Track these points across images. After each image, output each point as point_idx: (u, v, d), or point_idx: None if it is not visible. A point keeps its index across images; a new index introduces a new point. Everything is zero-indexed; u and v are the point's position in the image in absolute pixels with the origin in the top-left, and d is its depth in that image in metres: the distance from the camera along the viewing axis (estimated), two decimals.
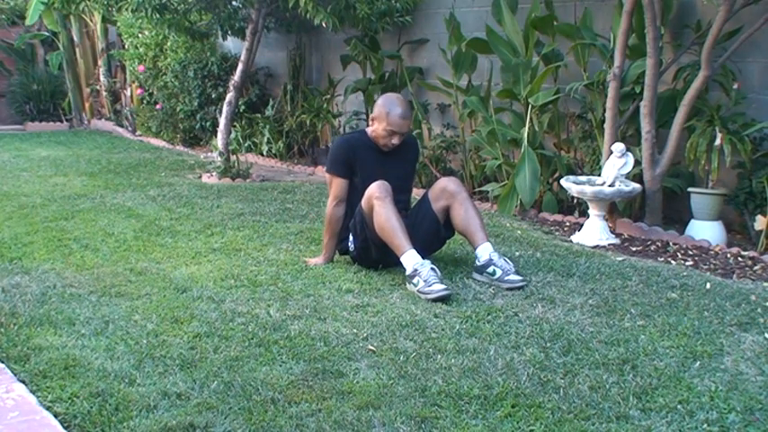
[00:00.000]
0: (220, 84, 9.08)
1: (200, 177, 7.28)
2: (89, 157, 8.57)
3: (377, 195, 3.93)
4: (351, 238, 4.20)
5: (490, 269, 3.94)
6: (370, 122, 4.29)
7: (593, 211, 5.01)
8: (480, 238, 4.05)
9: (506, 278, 3.89)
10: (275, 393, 2.69)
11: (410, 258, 3.85)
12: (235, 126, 8.58)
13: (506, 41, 5.99)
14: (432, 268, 3.79)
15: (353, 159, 4.22)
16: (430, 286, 3.70)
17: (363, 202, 4.02)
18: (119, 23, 10.37)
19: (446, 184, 4.19)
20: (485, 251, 4.00)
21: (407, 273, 3.84)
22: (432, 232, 4.20)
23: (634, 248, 4.84)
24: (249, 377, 2.82)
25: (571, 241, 4.99)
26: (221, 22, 7.48)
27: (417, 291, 3.75)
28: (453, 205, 4.12)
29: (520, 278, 3.90)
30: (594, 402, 2.65)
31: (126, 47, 10.51)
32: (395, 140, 4.19)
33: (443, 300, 3.66)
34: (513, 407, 2.61)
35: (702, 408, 2.62)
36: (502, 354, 3.05)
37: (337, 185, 4.24)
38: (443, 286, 3.71)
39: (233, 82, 7.50)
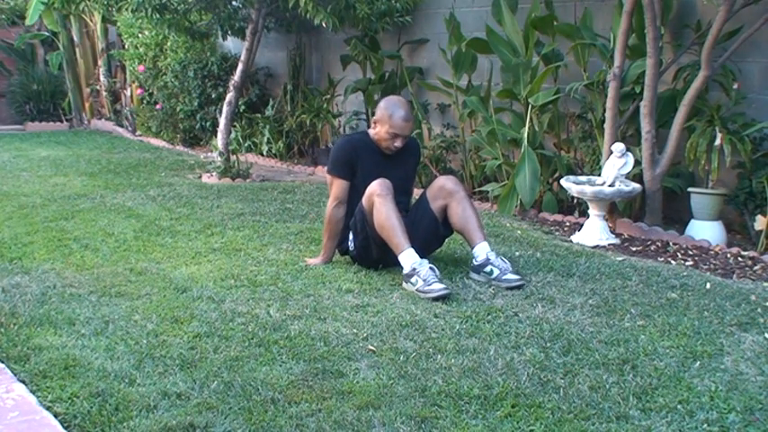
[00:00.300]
0: (220, 84, 9.08)
1: (200, 177, 7.28)
2: (89, 157, 8.57)
3: (378, 192, 3.92)
4: (351, 237, 4.20)
5: (487, 269, 3.94)
6: (373, 125, 4.28)
7: (593, 211, 5.01)
8: (478, 238, 4.05)
9: (504, 277, 3.89)
10: (275, 393, 2.69)
11: (408, 257, 3.85)
12: (235, 126, 8.58)
13: (506, 41, 5.99)
14: (430, 267, 3.79)
15: (355, 160, 4.21)
16: (429, 285, 3.71)
17: (364, 199, 4.01)
18: (119, 23, 10.38)
19: (444, 182, 4.19)
20: (482, 250, 4.00)
21: (405, 272, 3.84)
22: (431, 231, 4.20)
23: (634, 248, 4.84)
24: (249, 377, 2.82)
25: (571, 241, 4.99)
26: (221, 22, 7.48)
27: (416, 290, 3.75)
28: (451, 204, 4.12)
29: (517, 277, 3.90)
30: (594, 402, 2.65)
31: (126, 47, 10.51)
32: (397, 143, 4.19)
33: (442, 299, 3.66)
34: (513, 407, 2.61)
35: (702, 408, 2.62)
36: (502, 354, 3.05)
37: (338, 187, 4.23)
38: (442, 285, 3.71)
39: (233, 82, 7.50)
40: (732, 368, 2.94)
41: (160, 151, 9.27)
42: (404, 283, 3.87)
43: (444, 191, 4.14)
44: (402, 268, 3.88)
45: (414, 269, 3.80)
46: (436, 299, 3.65)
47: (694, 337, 3.24)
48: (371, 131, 4.28)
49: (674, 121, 5.13)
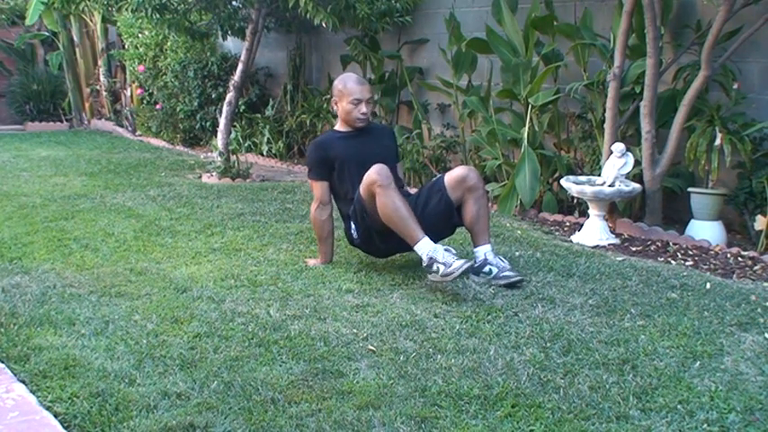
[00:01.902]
0: (220, 84, 9.08)
1: (201, 177, 7.28)
2: (89, 157, 8.57)
3: (379, 183, 3.81)
4: (354, 226, 4.14)
5: (486, 269, 3.94)
6: (335, 107, 4.29)
7: (593, 211, 5.02)
8: (483, 240, 4.05)
9: (502, 274, 3.89)
10: (275, 393, 2.69)
11: (424, 247, 3.75)
12: (235, 126, 8.58)
13: (506, 41, 5.99)
14: (445, 249, 3.73)
15: (327, 155, 4.18)
16: (450, 267, 3.63)
17: (362, 189, 3.92)
18: (119, 23, 10.38)
19: (466, 174, 4.04)
20: (482, 252, 4.01)
21: (424, 263, 3.76)
22: (445, 218, 4.08)
23: (634, 248, 4.84)
24: (249, 377, 2.82)
25: (571, 241, 4.99)
26: (221, 22, 7.48)
27: (441, 276, 3.67)
28: (468, 200, 4.02)
29: (515, 273, 3.90)
30: (594, 402, 2.65)
31: (126, 47, 10.51)
32: (363, 108, 4.16)
33: (468, 272, 3.68)
34: (513, 407, 2.61)
35: (702, 408, 2.62)
36: (502, 354, 3.05)
37: (317, 188, 4.21)
38: (462, 261, 3.66)
39: (233, 82, 7.50)
40: (732, 368, 2.94)
41: (160, 151, 9.27)
42: (429, 276, 3.79)
43: (465, 184, 4.02)
44: (403, 267, 3.88)
45: (431, 258, 3.71)
46: (464, 273, 3.63)
47: (694, 337, 3.24)
48: (338, 113, 4.26)
49: (674, 121, 5.13)
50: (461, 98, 6.56)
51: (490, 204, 6.02)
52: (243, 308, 3.56)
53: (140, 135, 10.55)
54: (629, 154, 5.00)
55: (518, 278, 3.87)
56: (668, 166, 5.17)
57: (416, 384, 2.78)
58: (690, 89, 5.03)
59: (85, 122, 11.86)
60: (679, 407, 2.62)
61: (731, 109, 5.12)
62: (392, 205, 3.80)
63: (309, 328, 3.30)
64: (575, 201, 5.71)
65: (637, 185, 5.04)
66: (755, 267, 4.39)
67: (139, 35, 9.95)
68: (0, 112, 11.85)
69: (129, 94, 11.19)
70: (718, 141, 4.95)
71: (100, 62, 11.57)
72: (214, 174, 7.21)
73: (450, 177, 4.07)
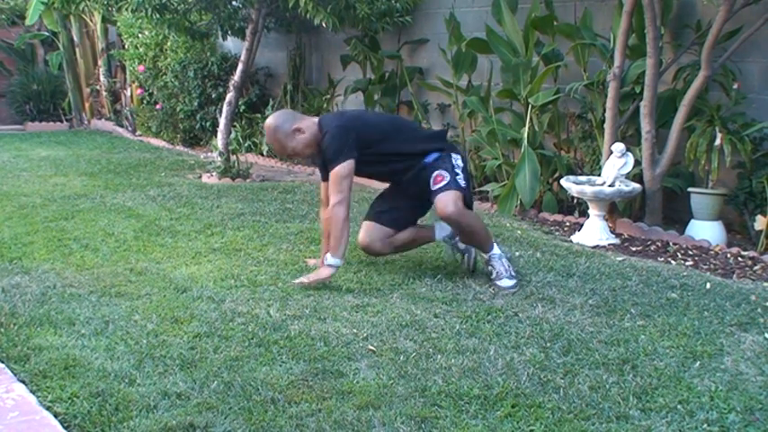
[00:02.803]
0: (220, 84, 9.08)
1: (200, 177, 7.28)
2: (89, 157, 8.57)
3: (367, 252, 4.16)
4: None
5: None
6: None
7: (593, 211, 5.02)
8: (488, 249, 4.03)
9: (497, 282, 3.90)
10: (275, 393, 2.70)
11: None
12: (235, 126, 8.58)
13: (506, 41, 5.99)
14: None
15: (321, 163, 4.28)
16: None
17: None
18: (119, 23, 10.37)
19: (448, 215, 3.85)
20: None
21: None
22: (420, 204, 4.19)
23: (634, 248, 4.84)
24: (249, 377, 2.82)
25: (571, 241, 4.99)
26: (221, 22, 7.48)
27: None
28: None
29: (510, 284, 3.88)
30: (594, 402, 2.65)
31: (126, 47, 10.51)
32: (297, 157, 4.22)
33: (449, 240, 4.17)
34: (513, 407, 2.61)
35: (702, 408, 2.62)
36: (502, 354, 3.05)
37: (322, 188, 4.34)
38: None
39: (233, 82, 7.50)
40: (732, 368, 2.95)
41: (160, 151, 9.27)
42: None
43: (445, 221, 3.95)
44: (404, 268, 3.91)
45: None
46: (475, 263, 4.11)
47: (694, 337, 3.24)
48: None
49: (674, 121, 5.13)
50: (461, 98, 6.56)
51: (490, 204, 6.04)
52: (243, 308, 3.56)
53: (140, 135, 10.55)
54: (629, 154, 5.00)
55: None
56: (668, 166, 5.17)
57: (416, 384, 2.78)
58: (690, 89, 5.03)
59: (85, 122, 11.85)
60: (679, 407, 2.62)
61: (731, 109, 5.12)
62: (393, 250, 4.16)
63: (309, 328, 3.31)
64: (575, 201, 5.71)
65: (637, 185, 5.04)
66: (755, 267, 4.40)
67: (139, 35, 9.94)
68: (0, 112, 11.85)
69: (129, 94, 11.18)
70: (718, 141, 4.95)
71: (100, 62, 11.57)
72: (214, 174, 7.21)
73: (436, 204, 3.90)
